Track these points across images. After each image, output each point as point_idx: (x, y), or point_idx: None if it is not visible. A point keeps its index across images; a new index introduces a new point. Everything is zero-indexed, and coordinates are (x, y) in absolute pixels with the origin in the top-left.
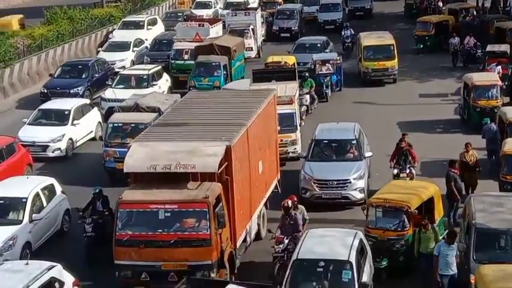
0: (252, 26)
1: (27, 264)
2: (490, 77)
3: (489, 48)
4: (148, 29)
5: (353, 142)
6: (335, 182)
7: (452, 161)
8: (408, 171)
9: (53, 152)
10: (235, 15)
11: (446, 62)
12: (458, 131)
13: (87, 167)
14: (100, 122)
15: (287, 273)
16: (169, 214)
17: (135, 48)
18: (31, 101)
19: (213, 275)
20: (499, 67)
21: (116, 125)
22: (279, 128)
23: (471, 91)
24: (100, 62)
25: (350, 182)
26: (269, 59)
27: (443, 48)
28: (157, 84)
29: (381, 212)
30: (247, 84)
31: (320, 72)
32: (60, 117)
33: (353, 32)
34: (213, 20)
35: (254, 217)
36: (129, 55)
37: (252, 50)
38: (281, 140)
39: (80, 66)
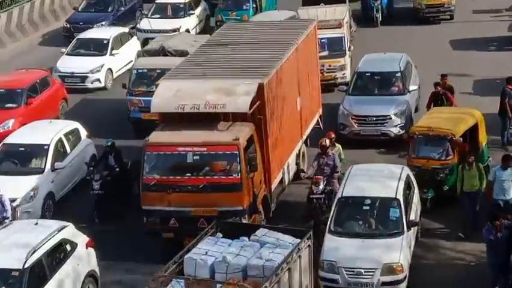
0: None
1: (36, 224)
2: None
3: None
4: None
5: (397, 75)
6: (374, 118)
7: (510, 78)
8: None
9: (92, 83)
10: None
11: None
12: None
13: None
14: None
15: (332, 211)
16: (197, 157)
17: None
18: (54, 38)
19: (244, 221)
20: None
21: (140, 71)
22: (326, 52)
23: None
24: None
25: (391, 118)
26: None
27: None
28: (194, 13)
29: (425, 141)
30: (278, 16)
31: None
32: (99, 47)
33: None
34: None
35: (292, 157)
36: None
37: None
38: (329, 65)
39: None
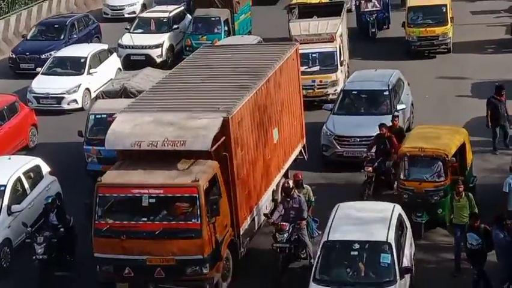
0: None
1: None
2: None
3: None
4: None
5: (384, 93)
6: (358, 139)
7: (499, 87)
8: (375, 164)
9: (68, 104)
10: None
11: None
12: (510, 51)
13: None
14: (120, 69)
15: (317, 256)
16: (153, 200)
17: None
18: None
19: (205, 270)
20: None
21: (98, 116)
22: (318, 68)
23: None
24: (83, 19)
25: None
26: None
27: None
28: (178, 28)
29: (416, 162)
30: (250, 40)
31: (365, 10)
32: (76, 66)
33: None
34: None
35: (267, 194)
36: None
37: None
38: (320, 81)
39: (56, 26)
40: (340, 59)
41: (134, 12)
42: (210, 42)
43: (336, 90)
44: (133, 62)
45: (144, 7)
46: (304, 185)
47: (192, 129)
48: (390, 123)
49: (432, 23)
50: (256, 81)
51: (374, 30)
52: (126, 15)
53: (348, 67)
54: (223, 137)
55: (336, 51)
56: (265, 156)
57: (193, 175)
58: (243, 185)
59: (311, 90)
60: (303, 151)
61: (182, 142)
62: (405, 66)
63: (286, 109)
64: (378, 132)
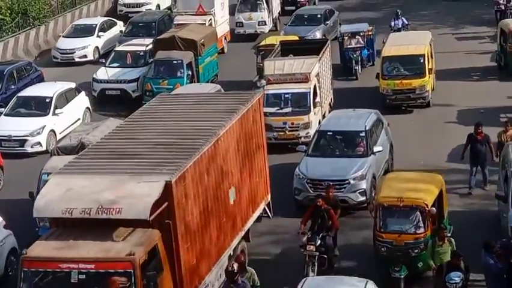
0: None
1: None
2: None
3: None
4: None
5: (361, 134)
6: (331, 183)
7: (477, 124)
8: (318, 242)
9: (32, 147)
10: None
11: (481, 7)
12: (495, 78)
13: None
14: (88, 108)
15: None
16: (84, 276)
17: (101, 33)
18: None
19: None
20: None
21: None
22: (290, 109)
23: (508, 37)
24: (24, 67)
25: (349, 183)
26: (264, 41)
27: None
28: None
29: (394, 213)
30: (207, 90)
31: (348, 47)
32: (40, 106)
33: (406, 22)
34: None
35: (222, 261)
36: (92, 41)
37: (265, 24)
38: (292, 123)
39: None
40: (314, 100)
41: (85, 56)
42: (172, 86)
43: (308, 133)
44: (107, 97)
45: (98, 52)
46: (248, 268)
47: (130, 195)
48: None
49: (408, 74)
50: (209, 137)
51: (357, 67)
52: (77, 59)
53: (331, 106)
54: (166, 203)
55: (310, 92)
56: (220, 219)
57: (129, 247)
58: (189, 254)
59: (282, 133)
60: (267, 209)
61: (118, 210)
62: None
63: (247, 165)
64: (317, 203)
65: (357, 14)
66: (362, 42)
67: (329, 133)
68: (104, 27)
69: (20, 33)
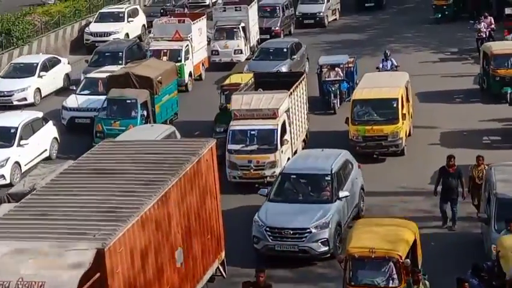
0: (243, 24)
1: None
2: (509, 45)
3: (508, 11)
4: (128, 21)
5: (326, 178)
6: (291, 231)
7: (449, 156)
8: None
9: None
10: (225, 10)
11: (464, 31)
12: (478, 101)
13: None
14: (56, 139)
15: None
16: None
17: (43, 73)
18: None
19: None
20: None
21: None
22: (256, 146)
23: (490, 60)
24: None
25: (310, 232)
26: (228, 80)
27: (462, 17)
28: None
29: (365, 264)
30: (152, 133)
31: (326, 79)
32: (4, 137)
33: (395, 64)
34: (196, 15)
35: None
36: (33, 82)
37: (241, 52)
38: (257, 162)
39: None
40: (282, 138)
41: (25, 99)
42: (124, 128)
43: (274, 172)
44: (77, 126)
45: (39, 94)
46: None
47: (55, 266)
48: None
49: (380, 120)
50: (152, 195)
51: (335, 101)
52: (15, 103)
53: (305, 142)
54: (98, 274)
55: (277, 129)
56: (163, 285)
57: None
58: None
59: (247, 172)
60: (221, 268)
61: (40, 284)
62: None
63: (196, 222)
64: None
65: (341, 36)
66: (342, 74)
67: (292, 176)
68: (47, 66)
69: (3, 53)
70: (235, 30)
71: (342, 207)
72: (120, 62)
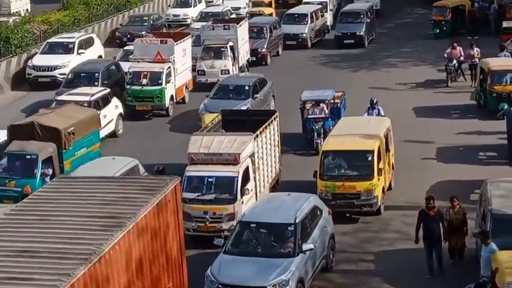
0: (231, 43)
1: None
2: (506, 61)
3: (505, 24)
4: (78, 52)
5: (289, 228)
6: None
7: (427, 198)
8: None
9: None
10: (213, 28)
11: (463, 47)
12: (474, 117)
13: None
14: None
15: None
16: None
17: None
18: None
19: None
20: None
21: None
22: (213, 196)
23: (487, 76)
24: None
25: None
26: (203, 120)
27: (460, 33)
28: (100, 114)
29: None
30: (114, 167)
31: (309, 116)
32: None
33: (382, 114)
34: (180, 35)
35: None
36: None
37: (228, 73)
38: (214, 213)
39: None
40: (244, 187)
41: None
42: (20, 189)
43: (233, 226)
44: None
45: None
46: None
47: None
48: None
49: (352, 175)
50: (103, 243)
51: (318, 141)
52: None
53: (276, 188)
54: None
55: (238, 177)
56: None
57: None
58: None
59: (202, 224)
60: None
61: None
62: None
63: (156, 270)
64: None
65: (339, 50)
66: (327, 111)
67: (252, 225)
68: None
69: (1, 61)
70: (222, 49)
71: (306, 262)
72: (96, 83)
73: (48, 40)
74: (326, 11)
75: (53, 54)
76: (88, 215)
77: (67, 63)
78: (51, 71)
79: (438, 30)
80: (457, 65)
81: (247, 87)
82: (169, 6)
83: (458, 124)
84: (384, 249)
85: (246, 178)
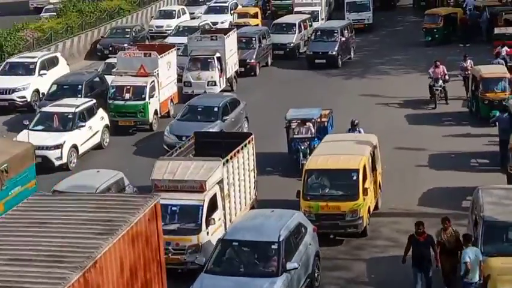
0: (218, 54)
1: None
2: (498, 69)
3: (497, 31)
4: (40, 74)
5: (272, 247)
6: None
7: (417, 223)
8: None
9: None
10: (200, 39)
11: (454, 54)
12: (467, 124)
13: None
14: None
15: None
16: None
17: None
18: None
19: None
20: (506, 48)
21: None
22: (176, 226)
23: (479, 83)
24: None
25: None
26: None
27: (452, 41)
28: (84, 126)
29: None
30: (103, 179)
31: (295, 136)
32: None
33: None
34: (164, 47)
35: None
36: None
37: (215, 84)
38: (177, 245)
39: None
40: (209, 217)
41: None
42: None
43: (197, 258)
44: None
45: None
46: None
47: None
48: None
49: (337, 195)
50: (77, 266)
51: (304, 162)
52: None
53: (254, 204)
54: None
55: (203, 206)
56: None
57: None
58: None
59: (165, 256)
60: None
61: None
62: None
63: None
64: None
65: None
66: (313, 130)
67: (234, 243)
68: None
69: None
70: (209, 60)
71: (290, 281)
72: (79, 95)
73: (8, 60)
74: (317, 20)
75: (13, 75)
76: (61, 235)
77: (26, 86)
78: (9, 93)
79: (430, 38)
80: (442, 84)
81: (216, 109)
82: (152, 17)
83: (450, 131)
84: (376, 255)
85: (213, 207)
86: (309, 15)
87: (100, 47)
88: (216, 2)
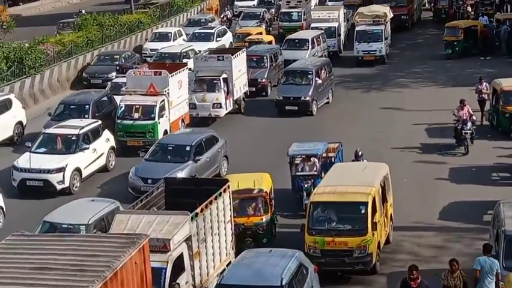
0: (224, 75)
1: None
2: None
3: None
4: None
5: None
6: None
7: (410, 269)
8: None
9: None
10: (206, 60)
11: (474, 67)
12: (487, 137)
13: None
14: (1, 208)
15: None
16: None
17: None
18: None
19: None
20: None
21: None
22: None
23: (500, 96)
24: None
25: None
26: (233, 183)
27: (472, 54)
28: (88, 148)
29: None
30: (97, 208)
31: (298, 173)
32: None
33: None
34: (176, 66)
35: None
36: None
37: (220, 107)
38: None
39: None
40: (174, 281)
41: None
42: None
43: None
44: (29, 189)
45: None
46: None
47: None
48: None
49: (344, 230)
50: None
51: (307, 202)
52: None
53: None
54: None
55: (166, 269)
56: None
57: None
58: None
59: None
60: None
61: None
62: None
63: None
64: None
65: (351, 70)
66: (318, 167)
67: None
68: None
69: (15, 82)
70: (215, 81)
71: None
72: (86, 115)
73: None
74: (334, 37)
75: None
76: (32, 283)
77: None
78: None
79: (450, 51)
80: (472, 127)
81: (188, 148)
82: (146, 39)
83: (471, 144)
84: (397, 270)
85: (178, 268)
86: (322, 31)
87: (85, 75)
88: (202, 28)
